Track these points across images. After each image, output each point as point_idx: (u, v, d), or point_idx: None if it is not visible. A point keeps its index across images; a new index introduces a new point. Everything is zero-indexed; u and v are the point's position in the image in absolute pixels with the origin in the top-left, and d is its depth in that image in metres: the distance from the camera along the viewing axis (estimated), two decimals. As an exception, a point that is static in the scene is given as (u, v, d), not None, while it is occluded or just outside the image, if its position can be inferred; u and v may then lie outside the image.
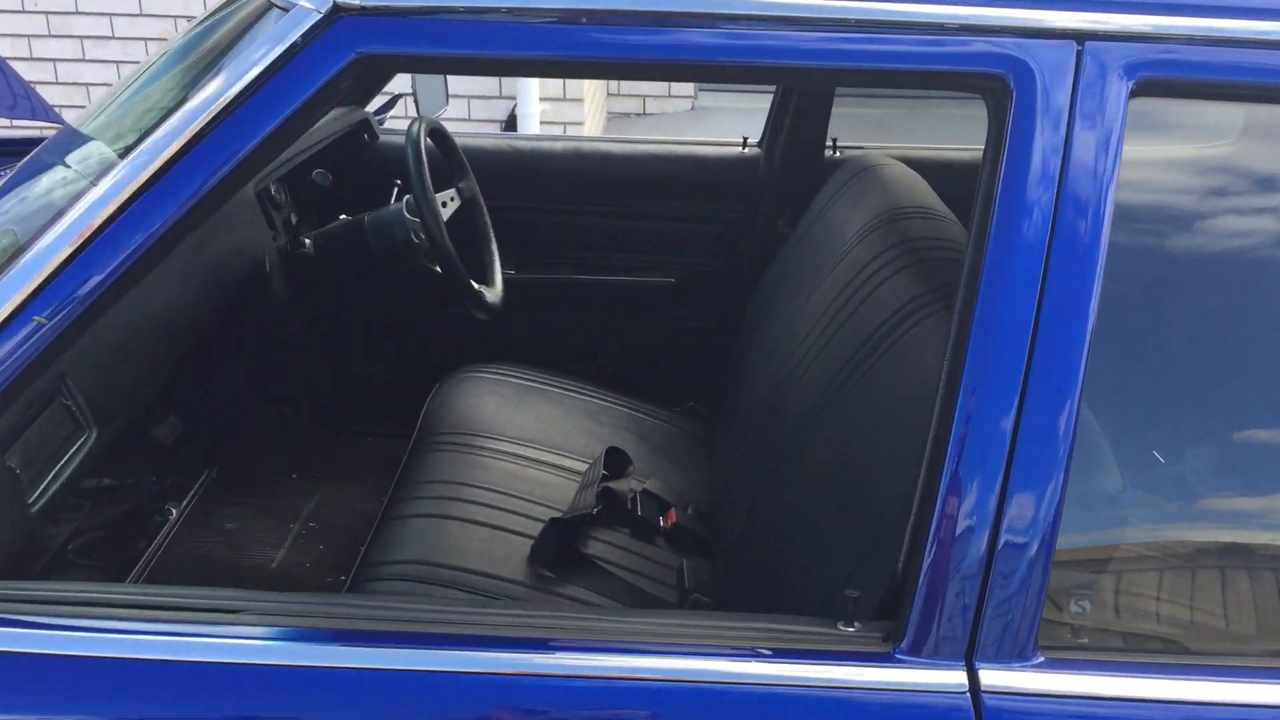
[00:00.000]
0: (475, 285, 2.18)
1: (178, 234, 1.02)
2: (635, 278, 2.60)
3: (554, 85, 5.35)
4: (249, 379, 2.61)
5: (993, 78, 1.00)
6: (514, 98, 5.29)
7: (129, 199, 1.00)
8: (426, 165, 2.04)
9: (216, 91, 1.02)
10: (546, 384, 2.34)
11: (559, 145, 2.60)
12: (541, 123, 5.23)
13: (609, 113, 6.47)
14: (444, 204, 2.24)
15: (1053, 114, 0.99)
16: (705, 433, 2.37)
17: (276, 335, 2.57)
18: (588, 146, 2.59)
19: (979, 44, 1.00)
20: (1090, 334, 1.03)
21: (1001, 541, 1.06)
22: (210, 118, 1.01)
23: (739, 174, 2.57)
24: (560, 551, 1.81)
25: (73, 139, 1.35)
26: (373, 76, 1.05)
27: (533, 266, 2.62)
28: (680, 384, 2.62)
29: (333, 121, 2.44)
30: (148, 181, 1.00)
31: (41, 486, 1.20)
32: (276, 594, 1.08)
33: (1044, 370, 1.03)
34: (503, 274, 2.58)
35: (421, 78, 2.58)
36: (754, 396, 1.98)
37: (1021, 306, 1.01)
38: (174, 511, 1.93)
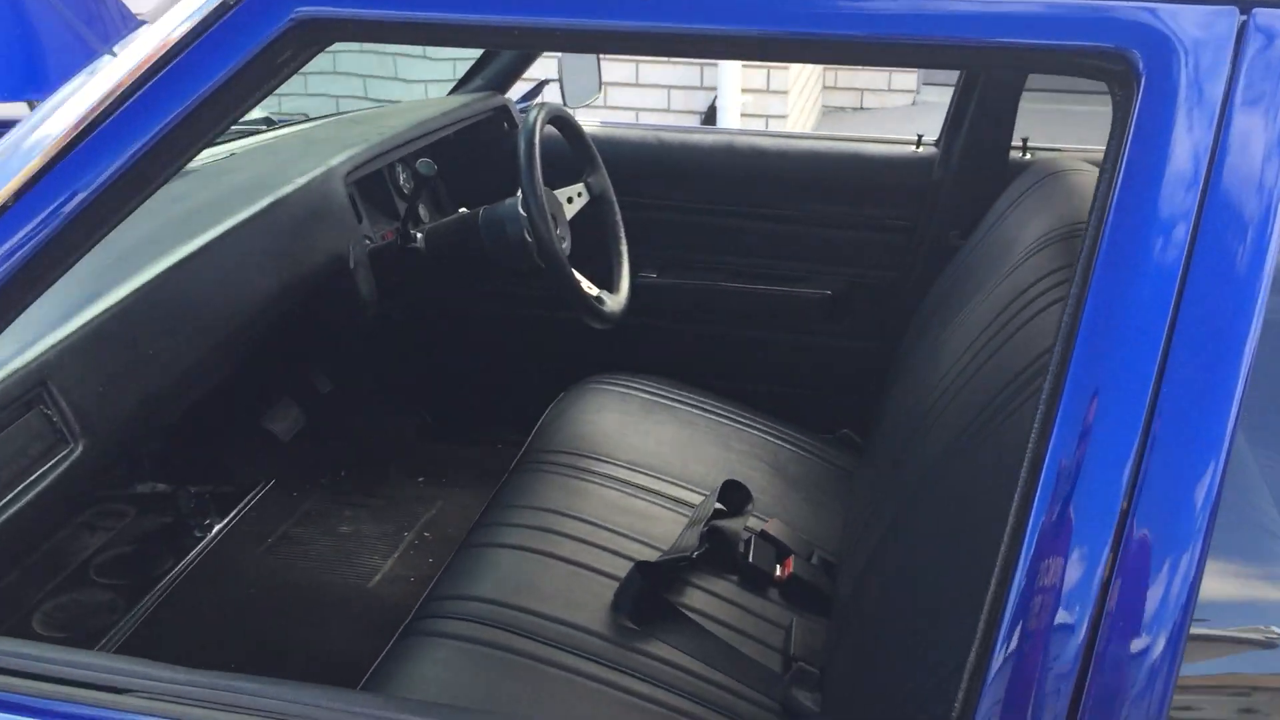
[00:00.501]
0: (591, 290, 1.99)
1: (109, 207, 0.86)
2: (788, 288, 2.35)
3: (757, 76, 5.11)
4: (376, 379, 2.51)
5: (1114, 56, 0.72)
6: (715, 88, 5.08)
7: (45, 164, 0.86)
8: (538, 155, 1.86)
9: (141, 50, 0.85)
10: (677, 400, 2.12)
11: (709, 139, 2.38)
12: (742, 115, 5.01)
13: (824, 106, 6.17)
14: (569, 200, 2.05)
15: (1202, 104, 0.71)
16: (854, 466, 2.10)
17: (397, 335, 2.45)
18: (741, 141, 2.35)
19: (1095, 10, 0.72)
20: (1243, 388, 0.74)
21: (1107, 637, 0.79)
22: (128, 81, 0.85)
23: (910, 176, 2.29)
24: (646, 600, 1.59)
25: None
26: (316, 44, 0.85)
27: (676, 271, 2.41)
28: (832, 409, 2.35)
29: (464, 107, 2.29)
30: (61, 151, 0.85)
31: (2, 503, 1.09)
32: (181, 671, 0.90)
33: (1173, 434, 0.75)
34: (644, 278, 2.39)
35: (570, 60, 2.40)
36: (893, 431, 1.71)
37: (1138, 359, 0.73)
38: (215, 526, 1.83)
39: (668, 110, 5.22)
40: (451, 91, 2.47)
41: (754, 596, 1.68)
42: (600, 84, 2.52)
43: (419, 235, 2.00)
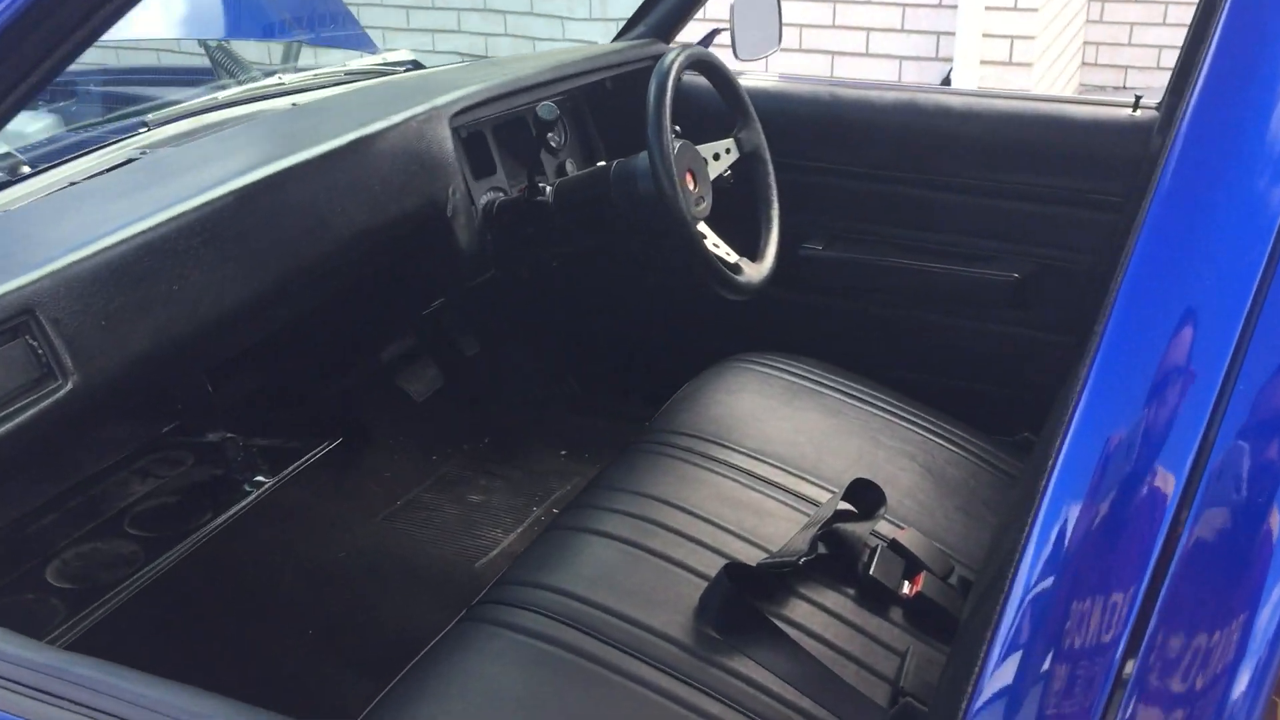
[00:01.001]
0: (728, 257, 1.79)
1: None
2: (968, 268, 2.08)
3: (998, 47, 4.71)
4: (524, 344, 2.39)
5: None
6: (950, 59, 4.72)
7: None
8: (669, 101, 1.67)
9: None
10: (827, 385, 1.89)
11: (889, 96, 2.12)
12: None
13: (1081, 85, 5.66)
14: (715, 156, 1.86)
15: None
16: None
17: (546, 299, 2.32)
18: (925, 99, 2.09)
19: None
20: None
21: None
22: None
23: (1123, 143, 1.96)
24: (735, 608, 1.39)
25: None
26: None
27: (843, 244, 2.17)
28: (1011, 409, 2.06)
29: (616, 53, 2.13)
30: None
31: None
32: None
33: None
34: (808, 250, 2.16)
35: (744, 5, 2.19)
36: (1047, 436, 1.44)
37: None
38: (265, 483, 1.74)
39: (900, 30, 4.84)
40: (615, 39, 2.31)
41: (870, 615, 1.45)
42: (780, 35, 2.29)
43: (547, 188, 1.85)
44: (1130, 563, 0.69)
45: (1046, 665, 0.71)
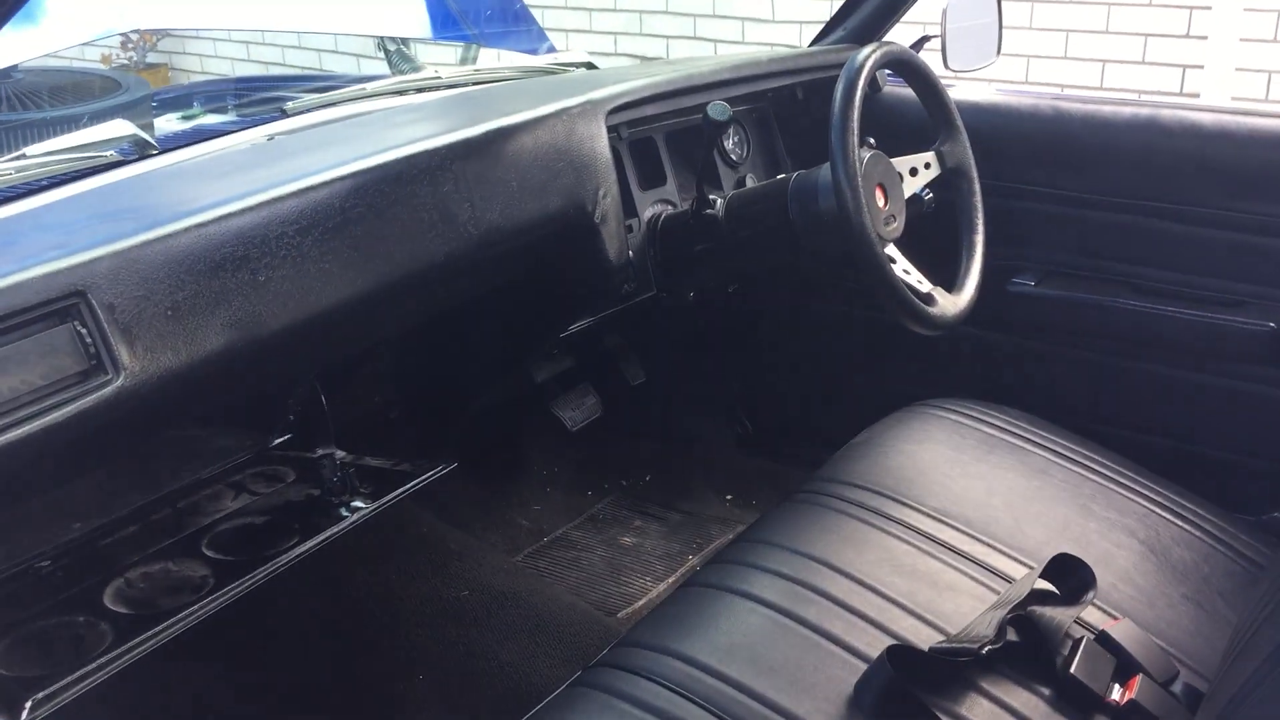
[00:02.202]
0: (920, 286, 1.55)
1: None
2: (1214, 314, 1.77)
3: (1254, 84, 4.25)
4: (694, 377, 2.20)
5: None
6: (1196, 96, 4.26)
7: None
8: (857, 104, 1.46)
9: None
10: (1032, 440, 1.62)
11: (1125, 112, 1.83)
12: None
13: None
14: (913, 171, 1.63)
15: None
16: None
17: (717, 328, 2.12)
18: (1167, 115, 1.79)
19: None
20: None
21: None
22: None
23: None
24: (897, 701, 1.15)
25: None
26: None
27: (1060, 281, 1.89)
28: (1258, 481, 1.74)
29: (807, 57, 1.92)
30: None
31: None
32: None
33: None
34: (1017, 286, 1.90)
35: (959, 9, 1.95)
36: None
37: None
38: (362, 509, 1.57)
39: (1141, 62, 4.39)
40: (812, 44, 2.10)
41: (1068, 723, 1.18)
42: (999, 45, 2.04)
43: (719, 201, 1.65)
44: None
45: None
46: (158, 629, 1.34)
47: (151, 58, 6.18)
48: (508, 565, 1.88)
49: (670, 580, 1.92)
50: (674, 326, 2.13)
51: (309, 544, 1.47)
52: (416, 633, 1.73)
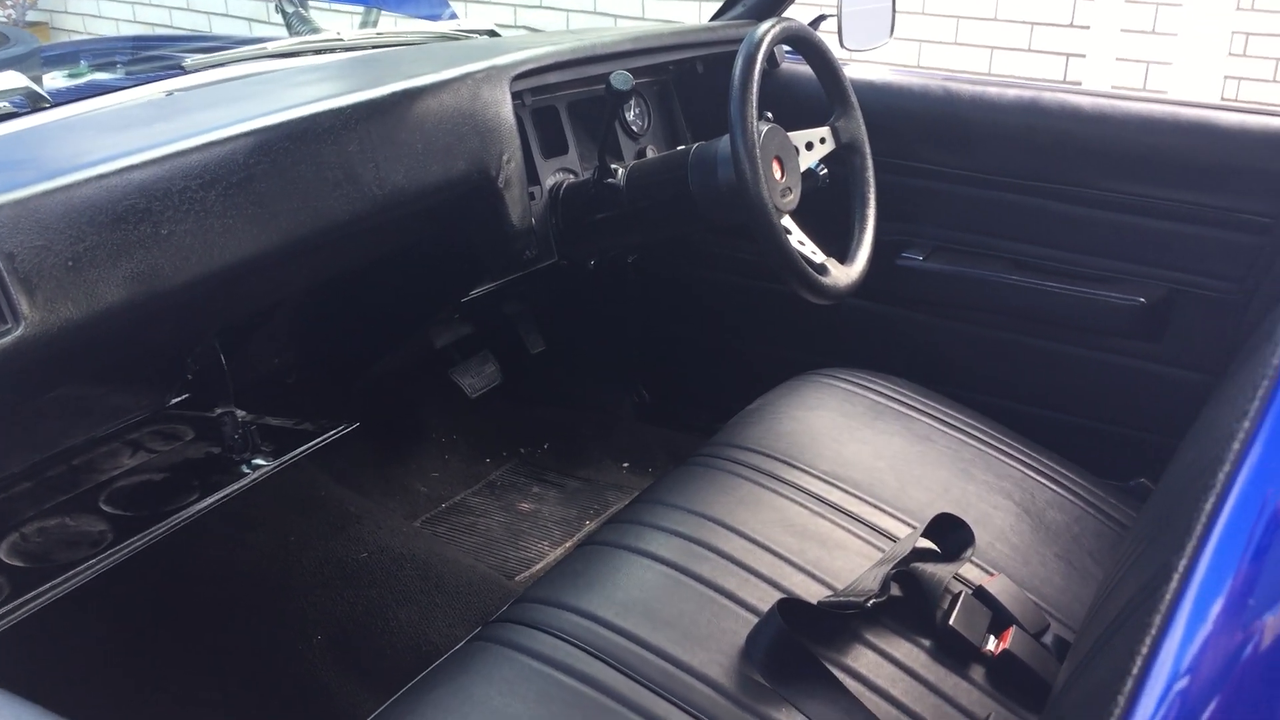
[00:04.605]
0: (814, 257, 1.60)
1: None
2: (1088, 290, 1.85)
3: (1132, 74, 4.41)
4: (593, 345, 2.22)
5: None
6: (1078, 83, 4.40)
7: None
8: (756, 79, 1.49)
9: None
10: (917, 408, 1.69)
11: (1010, 94, 1.90)
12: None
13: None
14: (808, 145, 1.67)
15: None
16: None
17: (617, 298, 2.14)
18: (1049, 98, 1.87)
19: None
20: None
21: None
22: None
23: (1275, 158, 1.73)
24: (788, 651, 1.19)
25: None
26: None
27: (947, 256, 1.96)
28: (1129, 449, 1.83)
29: (707, 31, 1.95)
30: None
31: None
32: None
33: None
34: (907, 261, 1.97)
35: (852, -5, 2.01)
36: (1173, 485, 1.22)
37: None
38: (264, 465, 1.57)
39: (1028, 50, 4.51)
40: (712, 19, 2.14)
41: (946, 672, 1.24)
42: (892, 26, 2.10)
43: (620, 171, 1.68)
44: None
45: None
46: (54, 582, 1.33)
47: (31, 15, 5.96)
48: (406, 529, 1.89)
49: (567, 545, 1.95)
50: (575, 295, 2.15)
51: (209, 500, 1.47)
52: (314, 593, 1.73)
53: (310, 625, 1.67)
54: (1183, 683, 0.51)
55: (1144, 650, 0.54)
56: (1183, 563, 0.54)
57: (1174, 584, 0.54)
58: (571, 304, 2.18)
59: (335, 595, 1.73)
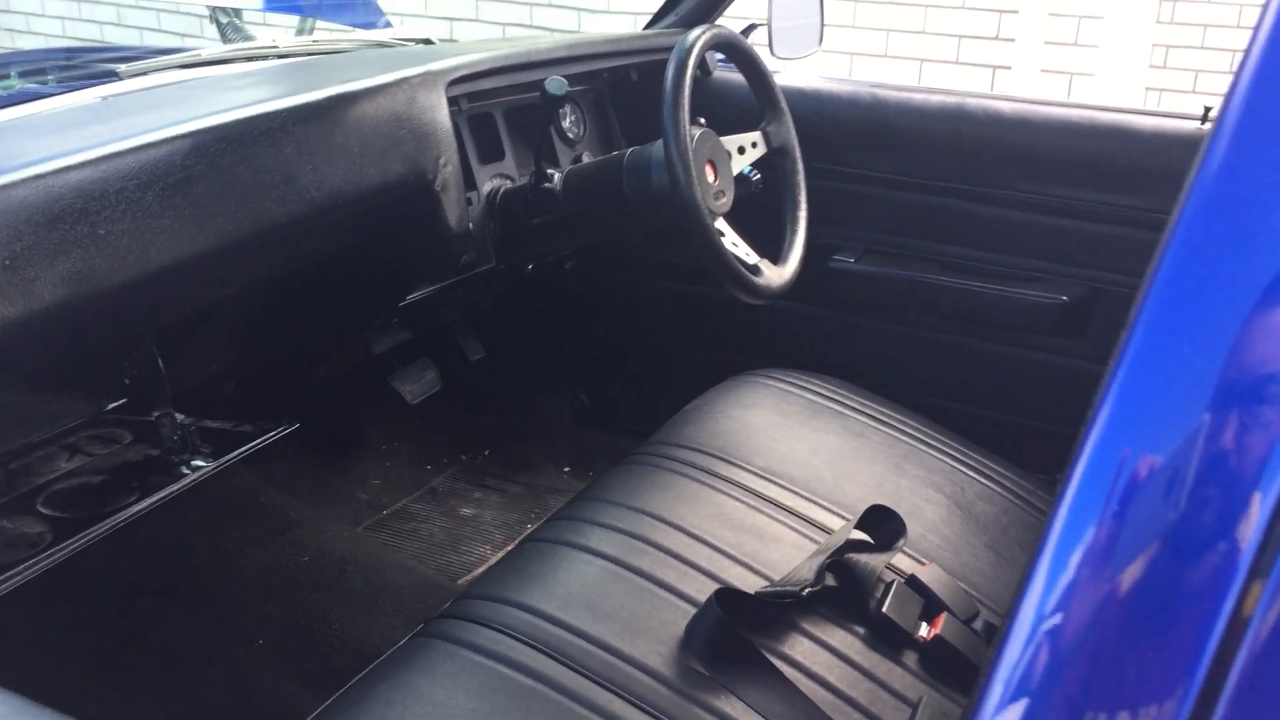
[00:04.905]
0: (747, 258, 1.63)
1: None
2: (1013, 289, 1.90)
3: (1056, 85, 4.53)
4: (533, 351, 2.24)
5: None
6: (1001, 67, 4.48)
7: None
8: (688, 84, 1.53)
9: None
10: (851, 406, 1.72)
11: (935, 100, 1.96)
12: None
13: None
14: (740, 149, 1.71)
15: None
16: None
17: (557, 305, 2.17)
18: (973, 104, 1.92)
19: None
20: None
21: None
22: None
23: (1189, 159, 1.79)
24: (724, 641, 1.22)
25: None
26: None
27: (877, 258, 2.01)
28: (1053, 443, 1.88)
29: (639, 39, 1.98)
30: None
31: None
32: None
33: None
34: (838, 263, 2.01)
35: (783, 1, 2.05)
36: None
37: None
38: (204, 466, 1.58)
39: (956, 62, 4.62)
40: (645, 29, 2.17)
41: (880, 658, 1.27)
42: (821, 35, 2.14)
43: (556, 176, 1.70)
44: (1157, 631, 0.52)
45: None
46: None
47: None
48: (348, 534, 1.90)
49: (509, 548, 1.96)
50: (513, 302, 2.16)
51: (149, 501, 1.46)
52: (255, 599, 1.73)
53: (251, 630, 1.67)
54: (1049, 623, 0.55)
55: (1015, 602, 0.57)
56: (1054, 522, 0.57)
57: (1047, 542, 0.57)
58: (511, 311, 2.20)
59: (276, 600, 1.73)
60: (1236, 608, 0.50)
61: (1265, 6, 0.54)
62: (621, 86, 2.04)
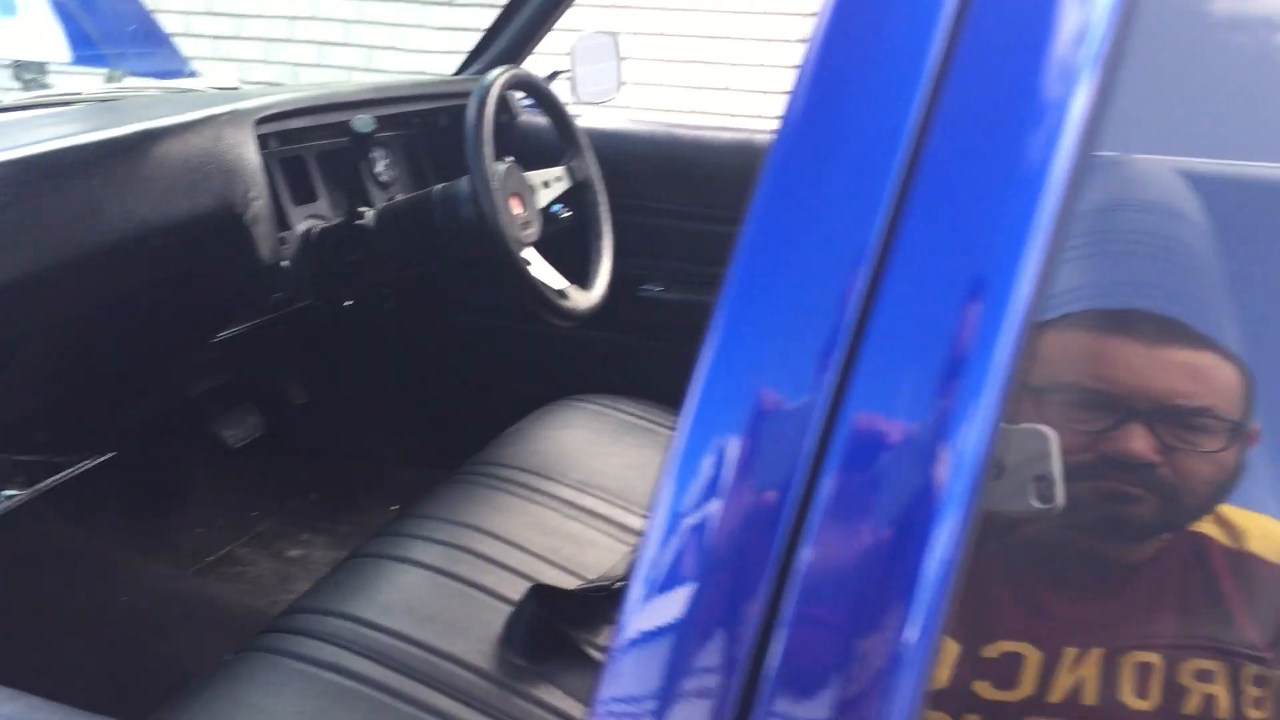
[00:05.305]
0: (555, 284, 1.72)
1: None
2: None
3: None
4: (358, 395, 2.27)
5: None
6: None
7: None
8: (489, 122, 1.61)
9: None
10: (663, 424, 1.82)
11: (725, 137, 2.09)
12: None
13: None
14: (545, 184, 1.80)
15: None
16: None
17: (381, 348, 2.21)
18: (760, 140, 2.07)
19: None
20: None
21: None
22: None
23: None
24: (542, 635, 1.28)
25: None
26: None
27: (686, 286, 2.12)
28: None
29: (445, 83, 2.07)
30: None
31: None
32: None
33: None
34: (647, 293, 2.11)
35: (586, 47, 2.16)
36: None
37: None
38: (16, 494, 1.58)
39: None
40: (455, 74, 2.26)
41: (690, 644, 1.35)
42: (619, 80, 2.26)
43: (369, 212, 1.76)
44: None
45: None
46: None
47: None
48: (173, 574, 1.89)
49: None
50: (337, 345, 2.20)
51: None
52: (74, 639, 1.70)
53: (72, 672, 1.64)
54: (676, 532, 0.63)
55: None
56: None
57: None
58: (335, 354, 2.23)
59: (99, 638, 1.70)
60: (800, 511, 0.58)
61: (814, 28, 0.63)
62: (432, 132, 2.11)
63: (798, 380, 0.60)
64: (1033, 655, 0.63)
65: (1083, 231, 0.77)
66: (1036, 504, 0.56)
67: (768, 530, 0.58)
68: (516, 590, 1.36)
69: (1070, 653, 0.63)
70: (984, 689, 0.63)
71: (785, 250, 0.64)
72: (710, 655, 0.59)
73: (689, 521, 0.60)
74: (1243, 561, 0.65)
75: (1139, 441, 0.63)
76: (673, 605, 0.59)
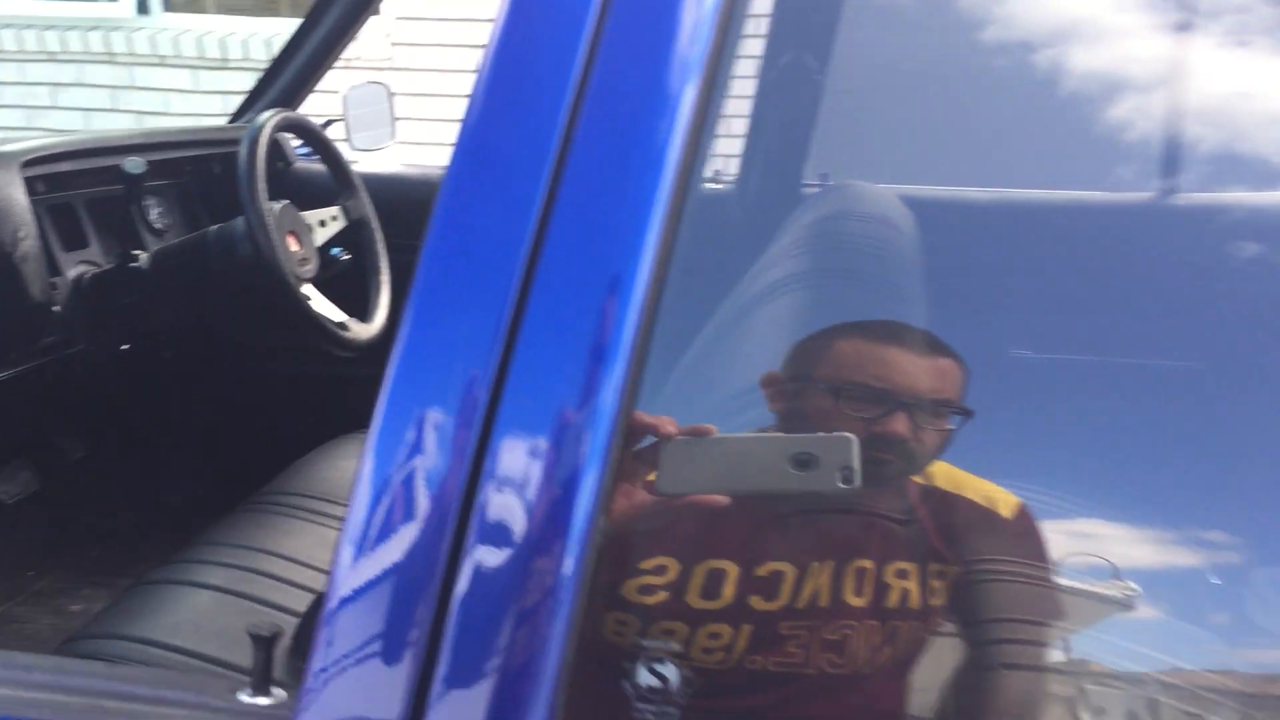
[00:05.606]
0: (334, 316, 1.77)
1: None
2: None
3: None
4: (138, 445, 2.24)
5: None
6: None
7: None
8: (261, 163, 1.67)
9: None
10: None
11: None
12: None
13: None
14: (321, 223, 1.86)
15: None
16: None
17: (164, 397, 2.20)
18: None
19: None
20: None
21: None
22: None
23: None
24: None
25: None
26: None
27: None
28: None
29: (221, 131, 2.11)
30: None
31: None
32: None
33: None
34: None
35: (358, 97, 2.23)
36: None
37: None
38: None
39: None
40: (230, 121, 2.29)
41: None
42: (393, 129, 2.34)
43: (143, 255, 1.78)
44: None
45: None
46: None
47: None
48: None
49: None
50: (115, 394, 2.17)
51: None
52: None
53: None
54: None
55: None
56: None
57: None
58: (113, 404, 2.20)
59: None
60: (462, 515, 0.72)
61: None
62: (205, 178, 2.13)
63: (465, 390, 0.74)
64: (790, 571, 0.77)
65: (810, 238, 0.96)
66: (842, 486, 0.73)
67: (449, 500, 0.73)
68: (304, 602, 1.40)
69: (814, 565, 0.78)
70: (757, 602, 0.78)
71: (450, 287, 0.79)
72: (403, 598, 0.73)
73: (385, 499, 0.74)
74: (938, 496, 0.81)
75: (900, 424, 0.80)
76: (373, 567, 0.72)
